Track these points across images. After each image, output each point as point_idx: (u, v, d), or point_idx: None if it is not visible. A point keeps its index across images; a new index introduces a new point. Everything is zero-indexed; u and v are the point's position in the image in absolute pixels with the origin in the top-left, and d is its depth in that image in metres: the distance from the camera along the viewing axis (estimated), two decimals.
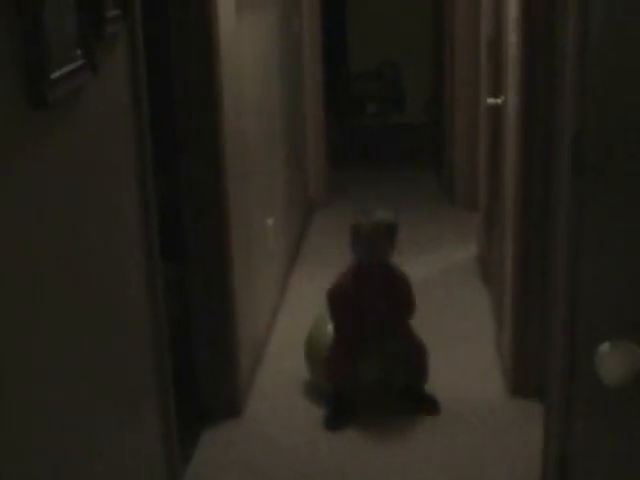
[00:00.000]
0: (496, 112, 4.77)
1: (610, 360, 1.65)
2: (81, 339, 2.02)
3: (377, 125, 10.22)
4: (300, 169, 6.81)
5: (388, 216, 4.12)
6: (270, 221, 5.10)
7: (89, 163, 2.12)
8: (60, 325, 1.88)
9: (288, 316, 5.35)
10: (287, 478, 3.64)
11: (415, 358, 4.16)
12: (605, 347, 1.67)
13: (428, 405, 4.13)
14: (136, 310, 2.56)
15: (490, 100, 4.79)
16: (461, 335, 4.92)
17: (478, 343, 4.84)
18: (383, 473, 3.68)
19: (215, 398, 3.98)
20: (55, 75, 1.81)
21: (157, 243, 2.70)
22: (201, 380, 3.92)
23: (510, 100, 4.26)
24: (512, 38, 4.14)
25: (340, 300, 4.10)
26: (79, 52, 1.96)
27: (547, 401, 2.96)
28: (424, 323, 4.89)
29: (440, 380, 4.24)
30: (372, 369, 4.14)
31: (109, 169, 2.30)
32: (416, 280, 5.79)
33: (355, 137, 9.93)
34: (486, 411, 4.10)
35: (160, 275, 2.72)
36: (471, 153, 6.86)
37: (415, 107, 10.06)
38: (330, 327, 4.19)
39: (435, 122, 8.81)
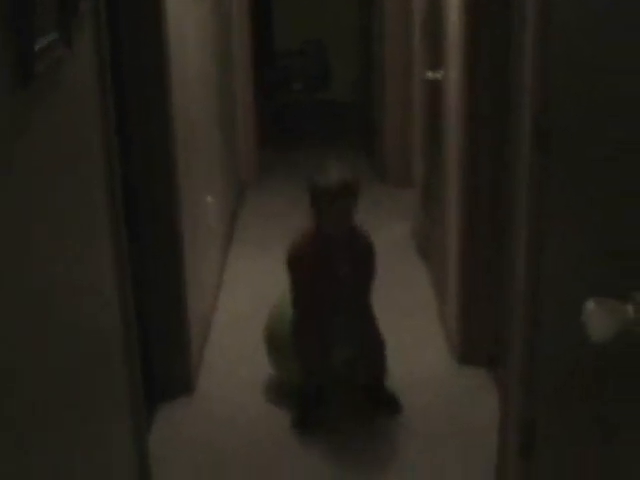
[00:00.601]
0: (435, 86, 4.83)
1: (597, 317, 1.71)
2: (50, 319, 1.99)
3: (304, 103, 10.25)
4: (231, 148, 6.80)
5: (347, 172, 3.67)
6: (210, 199, 5.10)
7: (64, 142, 2.11)
8: (26, 305, 1.84)
9: (228, 294, 5.36)
10: (241, 455, 3.66)
11: (374, 350, 3.94)
12: (591, 304, 1.73)
13: (389, 405, 3.92)
14: (105, 288, 2.55)
15: (429, 74, 4.84)
16: (403, 309, 4.98)
17: (421, 316, 4.91)
18: (336, 446, 3.72)
19: (168, 376, 3.98)
20: (38, 47, 1.79)
21: (123, 223, 2.70)
22: (154, 358, 3.91)
23: (451, 74, 4.32)
24: (453, 16, 4.20)
25: (301, 265, 3.73)
26: (57, 25, 1.94)
27: (508, 367, 3.01)
28: None
29: (388, 354, 4.27)
30: (341, 345, 3.87)
31: (79, 149, 2.28)
32: None
33: (282, 116, 9.94)
34: (436, 382, 4.17)
35: (126, 256, 2.72)
36: (403, 129, 6.92)
37: (343, 84, 10.10)
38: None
39: (364, 99, 8.86)
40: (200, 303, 4.46)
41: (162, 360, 3.89)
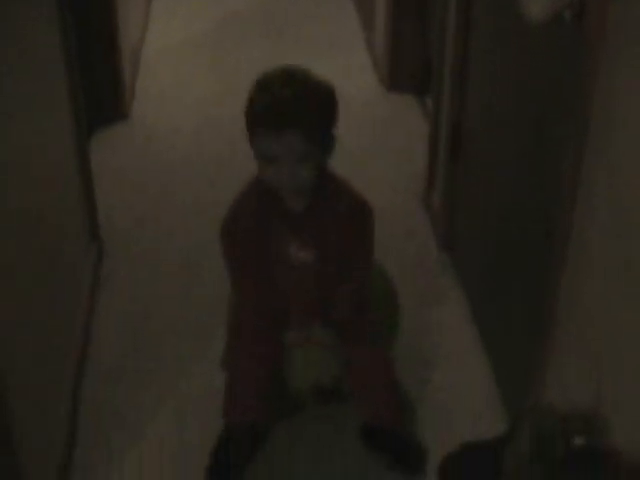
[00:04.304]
0: None
1: None
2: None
3: None
4: None
5: (313, 81, 2.05)
6: None
7: None
8: None
9: (156, 28, 5.40)
10: (182, 168, 3.76)
11: (372, 384, 2.31)
12: None
13: (407, 457, 2.31)
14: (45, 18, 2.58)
15: None
16: (330, 40, 5.08)
17: (348, 46, 4.98)
18: None
19: (101, 103, 3.97)
20: None
21: None
22: (85, 86, 3.85)
23: None
24: None
25: (234, 241, 2.21)
26: None
27: (439, 80, 3.11)
28: (288, 27, 5.04)
29: None
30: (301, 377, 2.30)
31: None
32: None
33: None
34: (366, 107, 4.28)
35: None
36: None
37: None
38: None
39: None
40: (129, 34, 4.44)
41: (93, 87, 3.81)
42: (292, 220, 2.16)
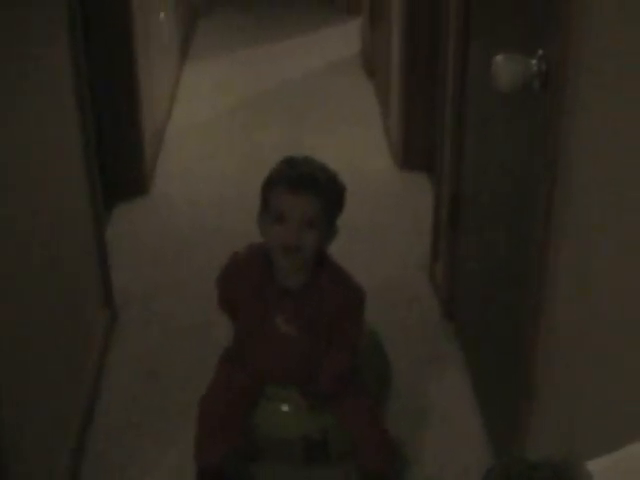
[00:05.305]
0: None
1: (504, 68, 1.92)
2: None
3: None
4: None
5: (326, 174, 2.17)
6: (162, 15, 5.21)
7: None
8: None
9: (182, 106, 5.58)
10: (197, 241, 3.88)
11: (367, 449, 2.30)
12: (499, 58, 1.94)
13: None
14: (63, 96, 2.75)
15: None
16: (349, 120, 5.25)
17: (367, 128, 5.14)
18: None
19: (122, 179, 4.12)
20: None
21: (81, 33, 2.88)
22: (107, 159, 3.94)
23: None
24: None
25: (228, 293, 2.33)
26: None
27: (440, 156, 3.25)
28: (310, 109, 5.14)
29: (332, 156, 4.32)
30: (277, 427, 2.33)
31: None
32: (301, 75, 6.09)
33: None
34: (381, 183, 4.45)
35: (84, 64, 2.89)
36: None
37: None
38: None
39: None
40: (153, 112, 4.62)
41: (115, 160, 3.99)
42: (285, 294, 2.21)
